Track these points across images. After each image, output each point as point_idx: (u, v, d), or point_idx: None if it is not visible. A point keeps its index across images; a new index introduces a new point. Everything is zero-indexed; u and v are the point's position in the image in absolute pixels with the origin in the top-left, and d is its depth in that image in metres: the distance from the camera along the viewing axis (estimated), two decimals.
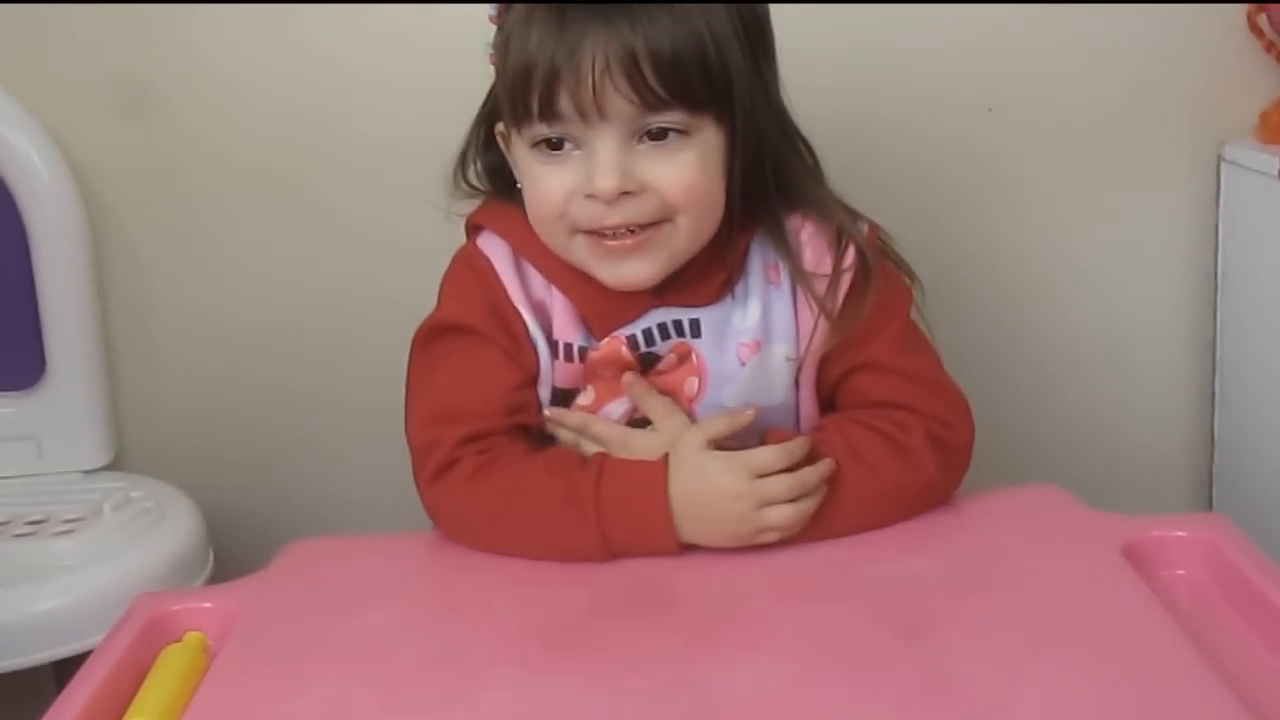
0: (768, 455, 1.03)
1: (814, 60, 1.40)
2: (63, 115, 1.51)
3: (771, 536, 1.03)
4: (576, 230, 1.06)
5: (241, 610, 1.01)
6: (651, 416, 1.10)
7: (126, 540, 1.35)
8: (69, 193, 1.48)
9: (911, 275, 1.15)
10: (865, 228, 1.13)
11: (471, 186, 1.17)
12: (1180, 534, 1.03)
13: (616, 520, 1.02)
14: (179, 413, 1.62)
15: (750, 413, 1.07)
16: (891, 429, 1.07)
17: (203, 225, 1.58)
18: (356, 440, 1.62)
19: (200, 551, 1.41)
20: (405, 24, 1.52)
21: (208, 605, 1.02)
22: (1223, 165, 1.56)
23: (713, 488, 1.02)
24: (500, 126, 1.11)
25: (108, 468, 1.55)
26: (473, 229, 1.16)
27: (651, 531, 1.02)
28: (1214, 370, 1.62)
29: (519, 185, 1.10)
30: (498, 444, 1.08)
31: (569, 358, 1.10)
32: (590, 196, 1.03)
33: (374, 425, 1.58)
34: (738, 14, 1.04)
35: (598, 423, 1.10)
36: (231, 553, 1.43)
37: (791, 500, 1.02)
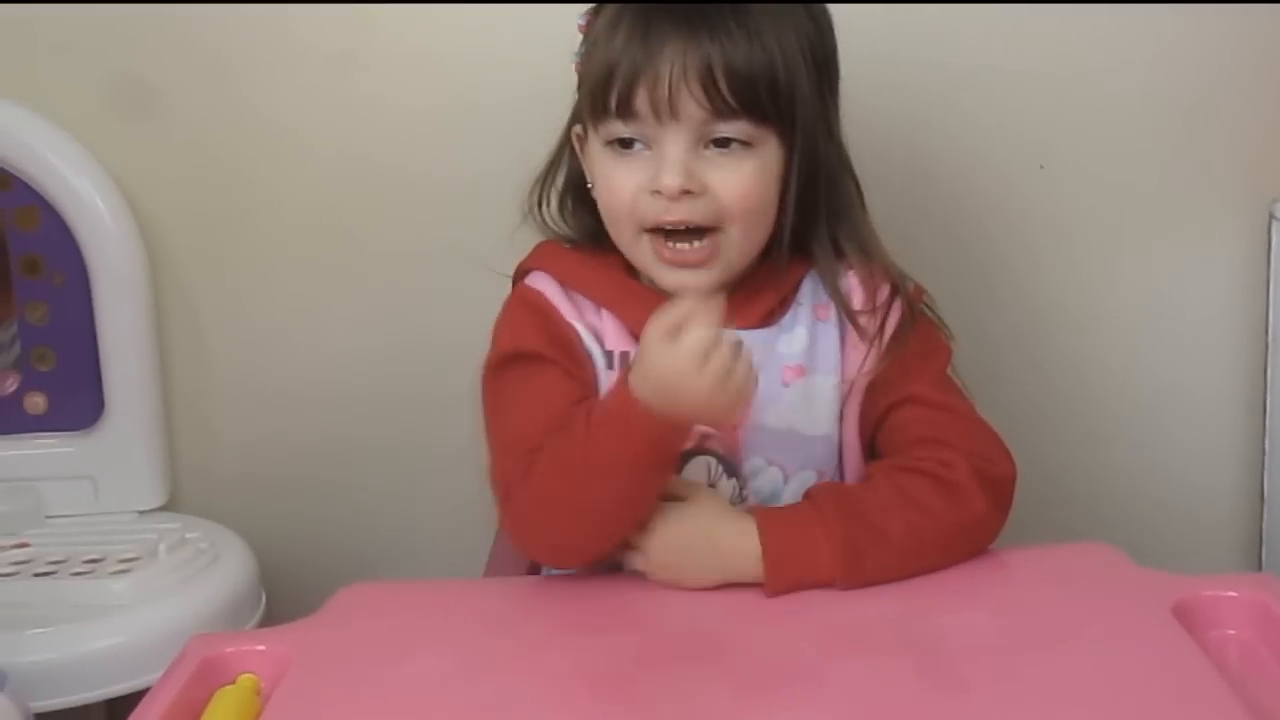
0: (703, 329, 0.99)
1: (871, 115, 1.42)
2: (128, 163, 1.53)
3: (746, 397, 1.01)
4: (643, 229, 1.11)
5: (294, 653, 1.01)
6: (678, 492, 1.11)
7: (181, 581, 1.36)
8: (131, 239, 1.51)
9: (951, 338, 1.18)
10: (911, 286, 1.17)
11: (543, 219, 1.21)
12: (1231, 594, 1.02)
13: (600, 427, 1.03)
14: (234, 455, 1.63)
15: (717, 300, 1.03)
16: (936, 468, 1.09)
17: (260, 273, 1.60)
18: (409, 486, 1.63)
19: (253, 593, 1.43)
20: (464, 77, 1.54)
21: (261, 648, 1.03)
22: (1274, 223, 1.55)
23: (666, 365, 0.99)
24: (578, 129, 1.17)
25: (163, 508, 1.57)
26: (520, 274, 1.20)
27: (624, 414, 1.02)
28: (1264, 430, 1.61)
29: (590, 186, 1.15)
30: None
31: (624, 365, 1.12)
32: (655, 193, 1.09)
33: (427, 472, 1.61)
34: (809, 42, 1.11)
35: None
36: (284, 595, 1.45)
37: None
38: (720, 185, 1.09)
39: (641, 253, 1.13)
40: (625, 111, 1.08)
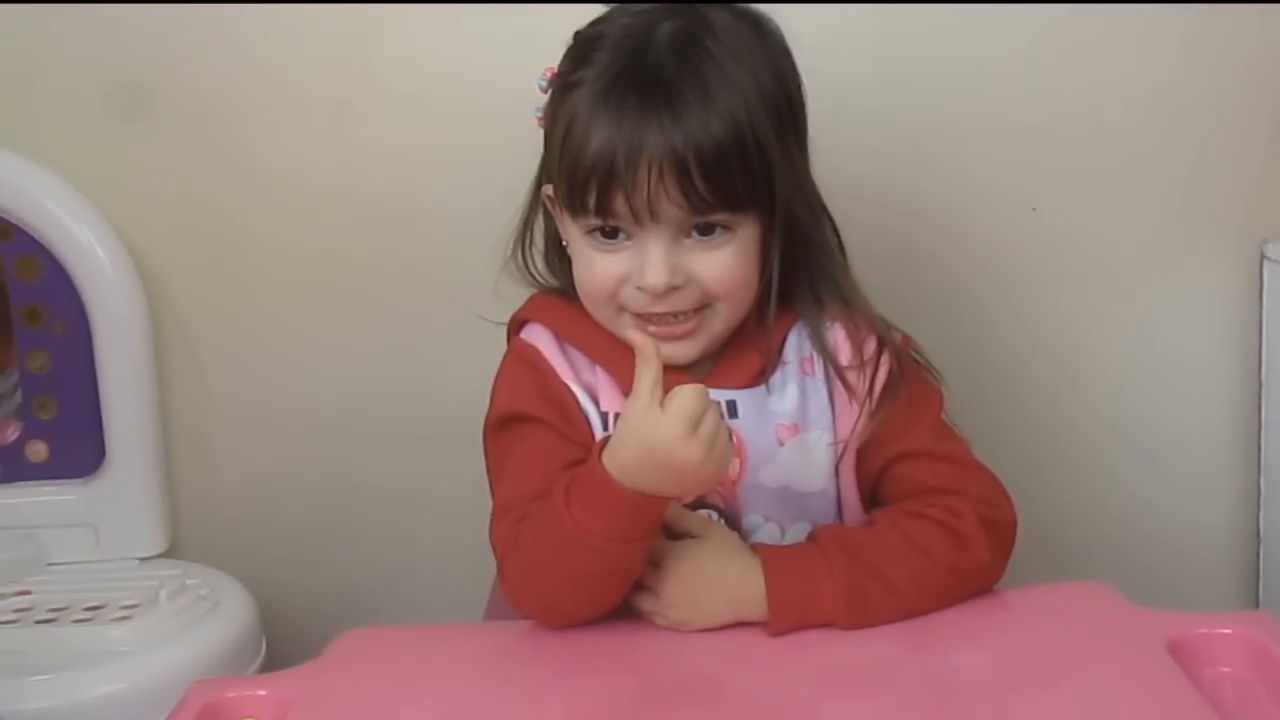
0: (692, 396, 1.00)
1: (858, 155, 1.43)
2: (127, 211, 1.54)
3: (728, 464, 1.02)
4: (624, 310, 1.12)
5: (295, 698, 1.02)
6: (690, 528, 1.11)
7: (181, 627, 1.37)
8: (131, 287, 1.51)
9: (941, 382, 1.19)
10: (898, 336, 1.17)
11: (527, 270, 1.22)
12: (1225, 631, 1.03)
13: (578, 503, 1.02)
14: (234, 501, 1.64)
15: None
16: (944, 515, 1.09)
17: (259, 319, 1.61)
18: (409, 530, 1.64)
19: (254, 639, 1.43)
20: (459, 123, 1.55)
21: (262, 693, 1.04)
22: (1266, 263, 1.56)
23: (655, 433, 0.99)
24: (548, 190, 1.16)
25: (164, 555, 1.57)
26: (516, 325, 1.20)
27: (598, 492, 1.01)
28: (1259, 468, 1.61)
29: (565, 243, 1.15)
30: None
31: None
32: (640, 288, 1.09)
33: (426, 516, 1.62)
34: (774, 100, 1.10)
35: None
36: (284, 641, 1.45)
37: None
38: (704, 274, 1.09)
39: (623, 329, 1.12)
40: (604, 213, 1.08)
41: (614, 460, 1.00)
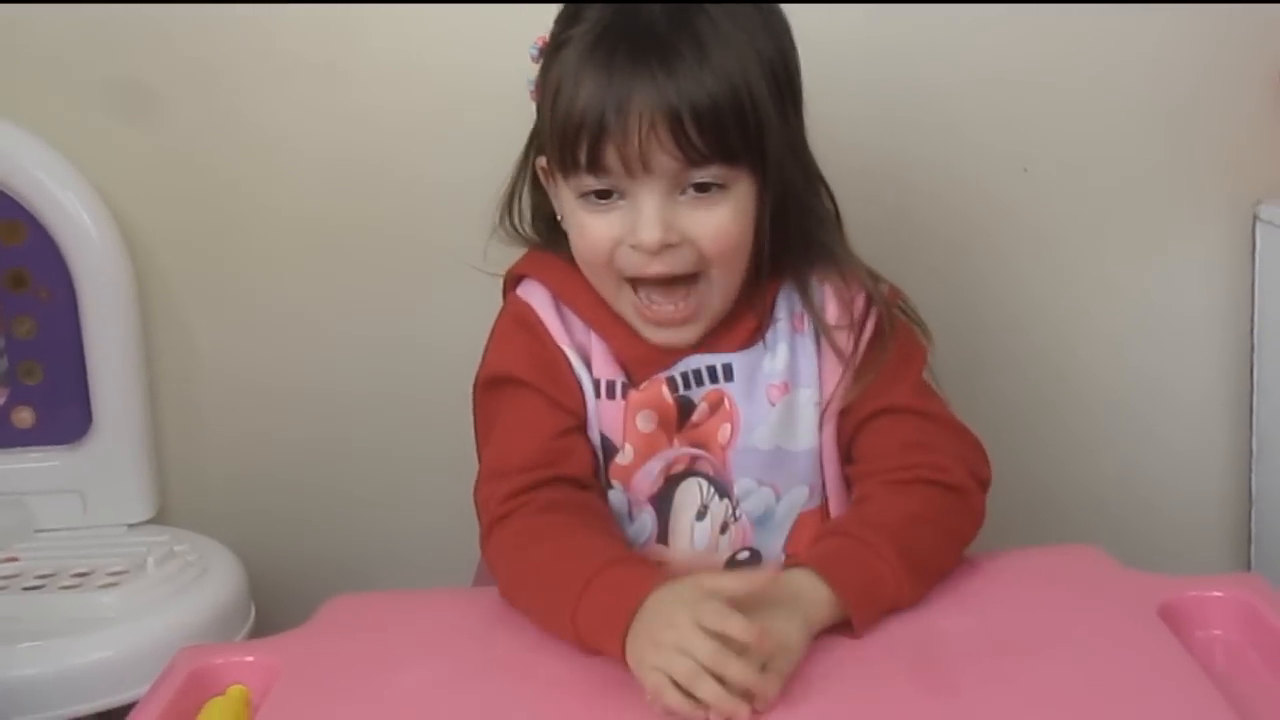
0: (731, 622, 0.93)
1: (849, 116, 1.42)
2: (113, 176, 1.53)
3: (672, 696, 0.91)
4: (624, 279, 1.10)
5: (283, 664, 1.02)
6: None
7: (169, 594, 1.37)
8: (117, 252, 1.51)
9: (928, 336, 1.18)
10: (885, 289, 1.16)
11: (516, 232, 1.20)
12: (1216, 594, 1.03)
13: (586, 624, 0.99)
14: (222, 467, 1.64)
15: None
16: (932, 474, 1.09)
17: (246, 284, 1.60)
18: (397, 496, 1.64)
19: (242, 605, 1.43)
20: (448, 85, 1.54)
21: (250, 659, 1.04)
22: (1258, 224, 1.56)
23: (665, 608, 0.95)
24: (542, 161, 1.14)
25: (151, 522, 1.57)
26: (513, 280, 1.19)
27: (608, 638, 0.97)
28: (1251, 429, 1.61)
29: (560, 219, 1.14)
30: (546, 502, 1.08)
31: (610, 394, 1.13)
32: (634, 246, 1.07)
33: (414, 481, 1.62)
34: (770, 62, 1.08)
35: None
36: (273, 607, 1.45)
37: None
38: (698, 232, 1.07)
39: (625, 306, 1.12)
40: (596, 168, 1.06)
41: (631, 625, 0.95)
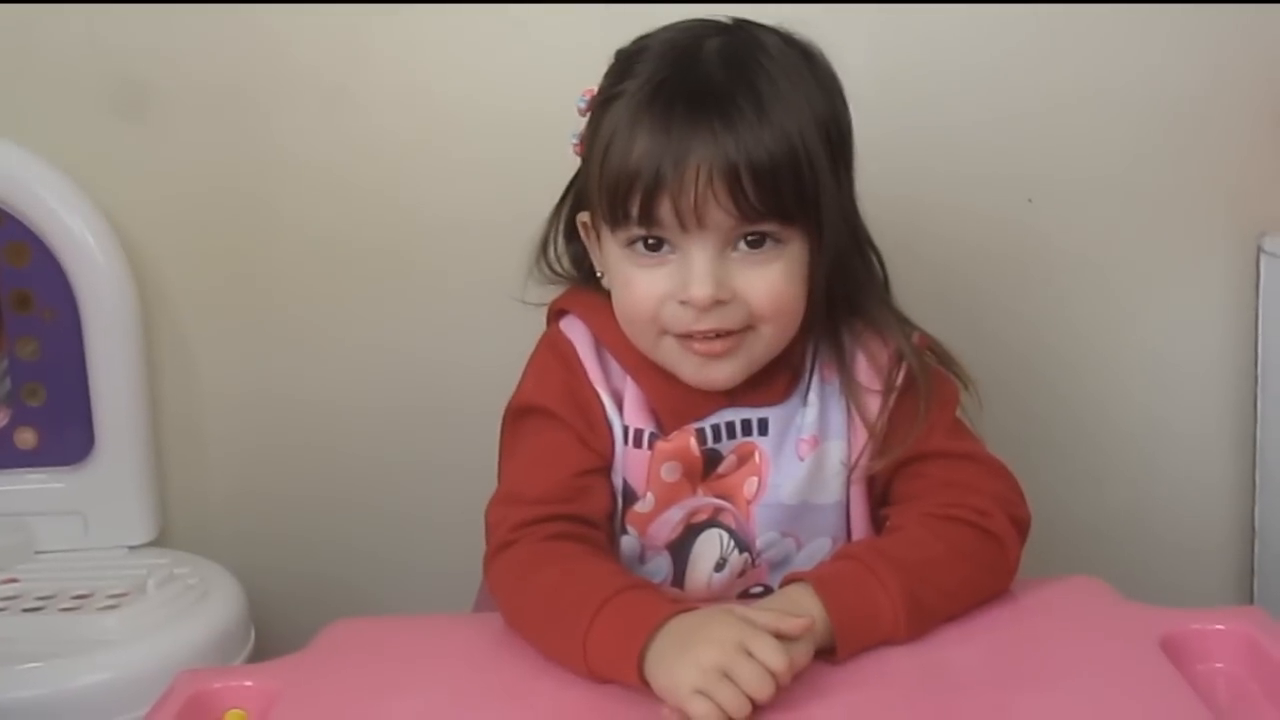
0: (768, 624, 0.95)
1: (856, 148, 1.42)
2: (119, 199, 1.53)
3: (725, 692, 0.91)
4: (665, 332, 1.08)
5: (282, 689, 1.01)
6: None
7: (169, 616, 1.36)
8: (122, 274, 1.51)
9: (965, 380, 1.16)
10: (916, 337, 1.14)
11: (554, 273, 1.19)
12: (1218, 627, 1.02)
13: (598, 649, 0.98)
14: (223, 491, 1.63)
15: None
16: (974, 516, 1.07)
17: (249, 306, 1.60)
18: (399, 520, 1.63)
19: (242, 629, 1.42)
20: (456, 111, 1.55)
21: (249, 684, 1.03)
22: (1263, 256, 1.56)
23: (701, 628, 0.95)
24: (584, 217, 1.13)
25: (152, 544, 1.56)
26: (556, 313, 1.18)
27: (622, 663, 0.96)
28: (1255, 461, 1.61)
29: (600, 275, 1.13)
30: (554, 533, 1.06)
31: (638, 443, 1.11)
32: (683, 303, 1.05)
33: (416, 505, 1.62)
34: (825, 124, 1.07)
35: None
36: (272, 631, 1.45)
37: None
38: (750, 291, 1.05)
39: (664, 354, 1.09)
40: (648, 221, 1.04)
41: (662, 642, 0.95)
